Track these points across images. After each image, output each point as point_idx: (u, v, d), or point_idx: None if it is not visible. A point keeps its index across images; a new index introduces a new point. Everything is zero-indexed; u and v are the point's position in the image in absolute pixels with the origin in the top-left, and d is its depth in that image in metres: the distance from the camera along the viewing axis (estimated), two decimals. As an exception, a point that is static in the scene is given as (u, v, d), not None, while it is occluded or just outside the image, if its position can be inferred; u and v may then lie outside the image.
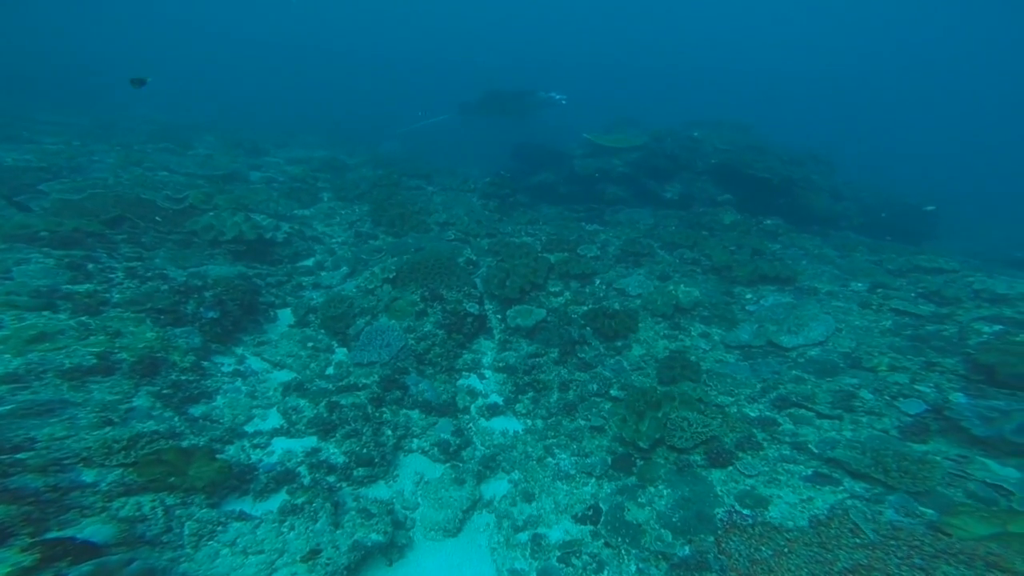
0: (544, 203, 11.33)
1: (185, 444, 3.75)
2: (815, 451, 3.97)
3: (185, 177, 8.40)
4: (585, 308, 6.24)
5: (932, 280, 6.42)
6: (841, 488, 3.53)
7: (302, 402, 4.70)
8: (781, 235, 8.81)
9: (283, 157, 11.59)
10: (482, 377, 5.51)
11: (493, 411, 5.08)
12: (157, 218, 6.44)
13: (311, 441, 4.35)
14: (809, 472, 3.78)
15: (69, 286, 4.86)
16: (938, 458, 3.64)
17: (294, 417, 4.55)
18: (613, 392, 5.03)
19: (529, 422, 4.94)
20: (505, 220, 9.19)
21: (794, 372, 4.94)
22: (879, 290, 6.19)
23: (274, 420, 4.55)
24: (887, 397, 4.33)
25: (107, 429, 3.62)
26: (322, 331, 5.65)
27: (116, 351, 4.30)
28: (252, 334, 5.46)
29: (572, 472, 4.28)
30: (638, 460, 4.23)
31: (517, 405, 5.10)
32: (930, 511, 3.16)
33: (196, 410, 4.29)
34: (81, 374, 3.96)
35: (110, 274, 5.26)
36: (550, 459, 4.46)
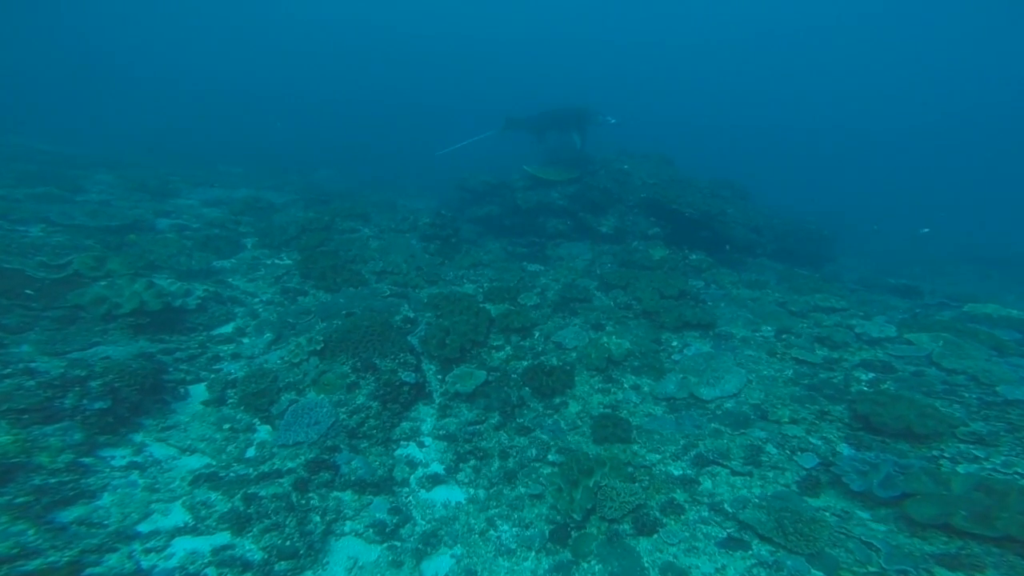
0: (490, 236, 11.46)
1: (33, 565, 3.05)
2: (729, 511, 4.35)
3: (70, 234, 7.31)
4: (525, 363, 6.37)
5: (827, 321, 7.28)
6: (750, 553, 3.90)
7: (214, 495, 4.23)
8: (704, 271, 9.54)
9: (198, 198, 10.60)
10: (421, 445, 5.45)
11: (434, 481, 5.03)
12: (28, 291, 5.52)
13: (223, 538, 3.89)
14: (724, 536, 4.13)
15: None
16: (827, 514, 4.13)
17: (203, 512, 4.04)
18: (551, 456, 5.19)
19: (472, 491, 4.95)
20: (447, 264, 9.15)
21: (713, 425, 5.38)
22: (784, 336, 6.91)
23: (178, 516, 4.00)
24: (788, 451, 4.85)
25: None
26: (242, 409, 5.24)
27: (-59, 466, 3.55)
28: (157, 417, 4.86)
29: (513, 546, 4.35)
30: (573, 532, 4.39)
31: (459, 474, 5.09)
32: (820, 574, 3.58)
33: (68, 515, 3.65)
34: None
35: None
36: (492, 532, 4.50)
